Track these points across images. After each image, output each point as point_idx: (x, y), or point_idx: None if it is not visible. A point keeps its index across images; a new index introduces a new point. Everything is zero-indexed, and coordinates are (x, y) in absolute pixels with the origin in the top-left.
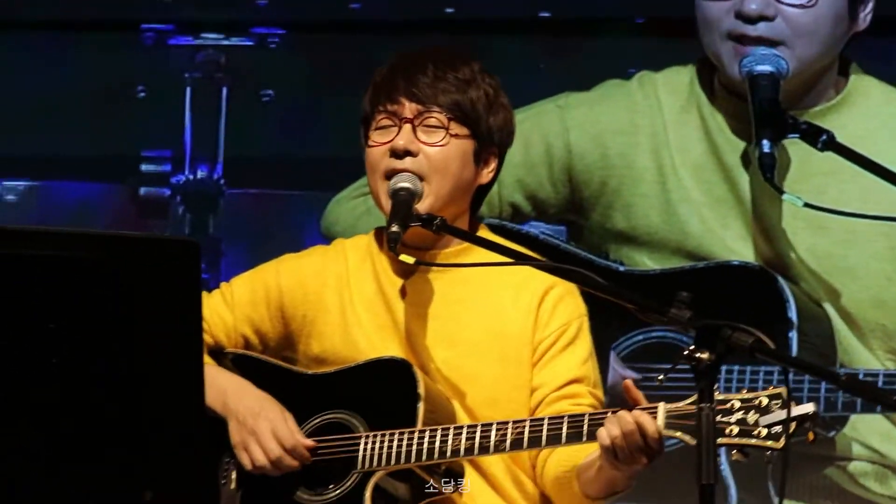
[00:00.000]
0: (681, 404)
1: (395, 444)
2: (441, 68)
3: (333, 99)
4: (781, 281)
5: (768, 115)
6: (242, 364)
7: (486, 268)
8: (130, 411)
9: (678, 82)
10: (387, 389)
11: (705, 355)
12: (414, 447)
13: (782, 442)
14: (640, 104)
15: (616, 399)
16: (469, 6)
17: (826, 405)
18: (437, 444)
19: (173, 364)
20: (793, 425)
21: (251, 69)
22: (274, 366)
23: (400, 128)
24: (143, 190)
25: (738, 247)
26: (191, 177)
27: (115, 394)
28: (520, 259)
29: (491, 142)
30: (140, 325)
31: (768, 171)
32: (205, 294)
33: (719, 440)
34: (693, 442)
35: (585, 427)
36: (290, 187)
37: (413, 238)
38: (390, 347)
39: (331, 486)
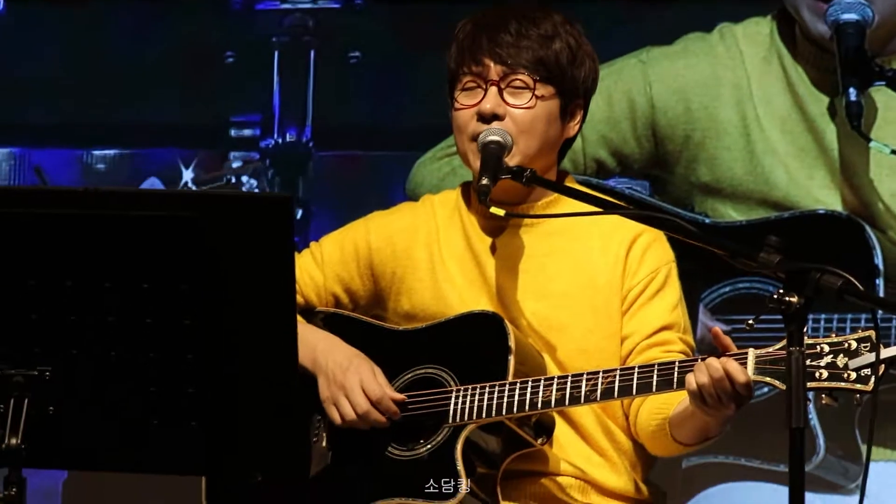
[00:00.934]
0: (770, 349)
1: (485, 397)
2: (524, 24)
3: (420, 59)
4: (868, 229)
5: (854, 63)
6: (333, 322)
7: (573, 219)
8: (224, 371)
9: (758, 34)
10: (477, 343)
11: (794, 299)
12: (505, 400)
13: (871, 384)
14: (722, 56)
15: (705, 351)
16: None
17: None
18: (528, 396)
19: (267, 321)
20: (882, 368)
21: (338, 32)
22: (364, 323)
23: (486, 90)
24: (232, 155)
25: (823, 196)
26: (280, 140)
27: (209, 353)
28: (609, 208)
29: (576, 94)
30: (234, 283)
31: (855, 120)
32: (295, 254)
33: (809, 384)
34: (783, 386)
35: (675, 375)
36: (379, 149)
37: (500, 194)
38: (480, 302)
39: (421, 441)
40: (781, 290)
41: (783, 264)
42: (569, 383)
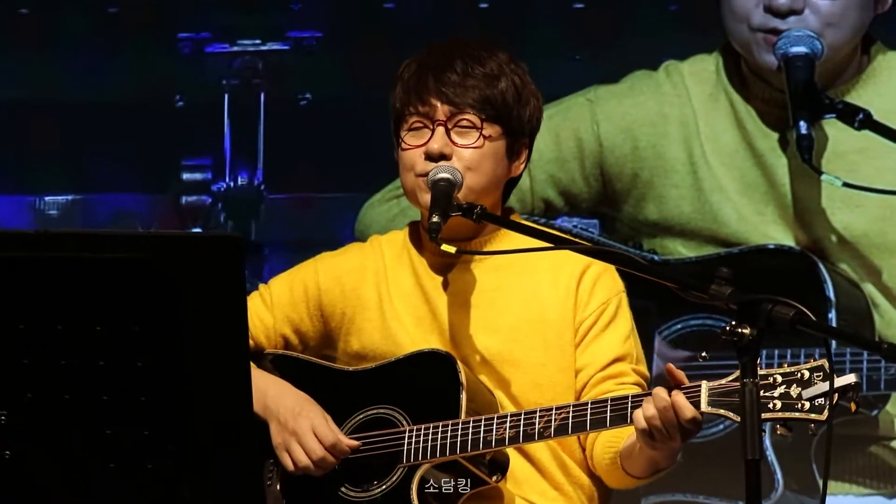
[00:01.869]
0: (723, 381)
1: (438, 436)
2: (469, 63)
3: (371, 100)
4: (817, 261)
5: (804, 97)
6: (282, 364)
7: (521, 254)
8: (179, 412)
9: (704, 70)
10: (428, 381)
11: (747, 330)
12: (458, 438)
13: (826, 414)
14: (669, 94)
15: (663, 386)
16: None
17: (868, 384)
18: (482, 433)
19: (221, 360)
20: (835, 396)
21: (288, 73)
22: (314, 364)
23: (433, 130)
24: (184, 198)
25: (772, 231)
26: (231, 183)
27: (163, 393)
28: (561, 242)
29: (522, 133)
30: (187, 323)
31: (806, 153)
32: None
33: (763, 415)
34: (737, 418)
35: (629, 409)
36: (332, 190)
37: (449, 231)
38: (430, 340)
39: (375, 482)
40: (734, 322)
41: (735, 295)
42: (522, 421)
